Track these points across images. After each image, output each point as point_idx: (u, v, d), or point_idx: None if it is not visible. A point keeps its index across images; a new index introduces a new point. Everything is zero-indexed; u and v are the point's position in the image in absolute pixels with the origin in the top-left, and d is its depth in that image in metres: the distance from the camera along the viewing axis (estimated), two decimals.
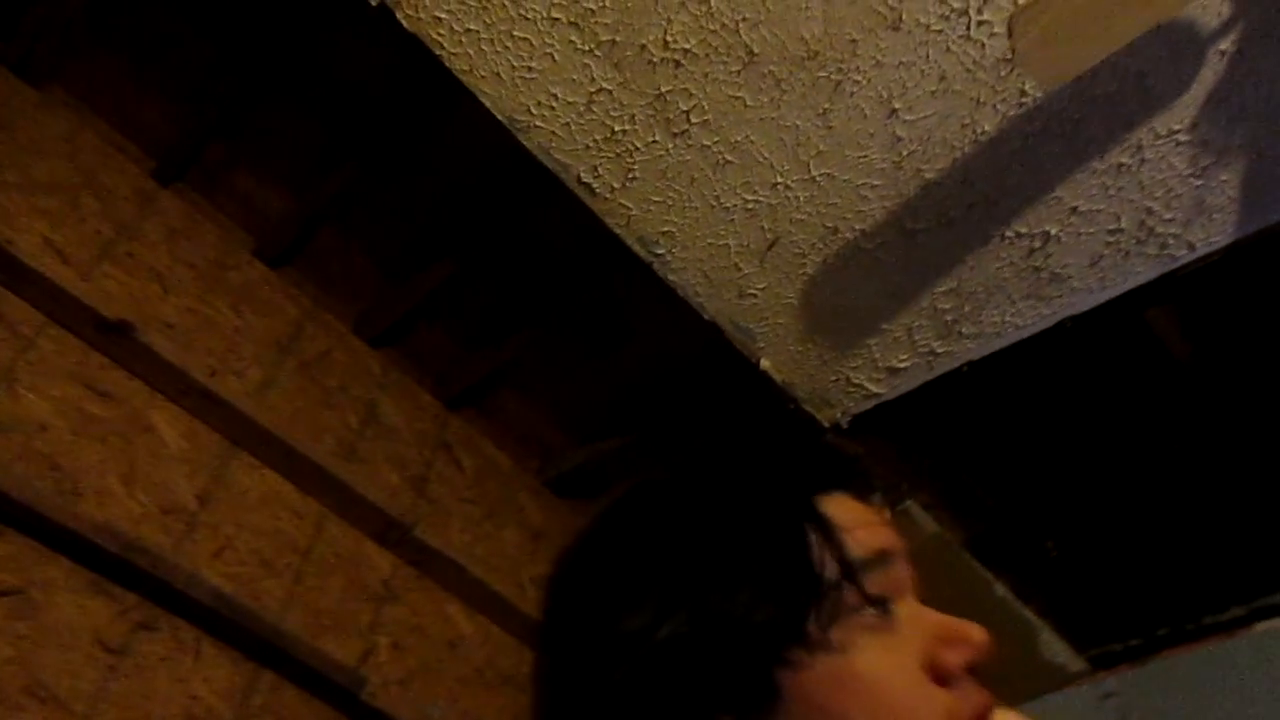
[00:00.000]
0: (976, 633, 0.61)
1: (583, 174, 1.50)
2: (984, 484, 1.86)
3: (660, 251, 1.59)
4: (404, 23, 1.36)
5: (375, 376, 1.86)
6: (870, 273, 1.56)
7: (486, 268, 1.79)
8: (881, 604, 0.61)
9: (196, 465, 1.51)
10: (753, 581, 0.60)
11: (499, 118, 1.44)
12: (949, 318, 1.58)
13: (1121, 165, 1.33)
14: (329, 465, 1.68)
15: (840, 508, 0.64)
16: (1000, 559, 1.90)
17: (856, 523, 0.64)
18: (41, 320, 1.39)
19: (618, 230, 1.58)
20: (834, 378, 1.72)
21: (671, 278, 1.63)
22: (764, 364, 1.72)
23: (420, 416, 1.92)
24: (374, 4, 1.34)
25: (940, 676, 0.59)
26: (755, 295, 1.63)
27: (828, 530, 0.62)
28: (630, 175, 1.50)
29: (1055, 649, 1.94)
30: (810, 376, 1.73)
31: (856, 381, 1.71)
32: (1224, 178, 1.29)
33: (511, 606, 1.86)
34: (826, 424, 1.79)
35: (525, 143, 1.47)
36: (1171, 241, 1.38)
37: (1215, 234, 1.34)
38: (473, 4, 1.34)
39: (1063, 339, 1.56)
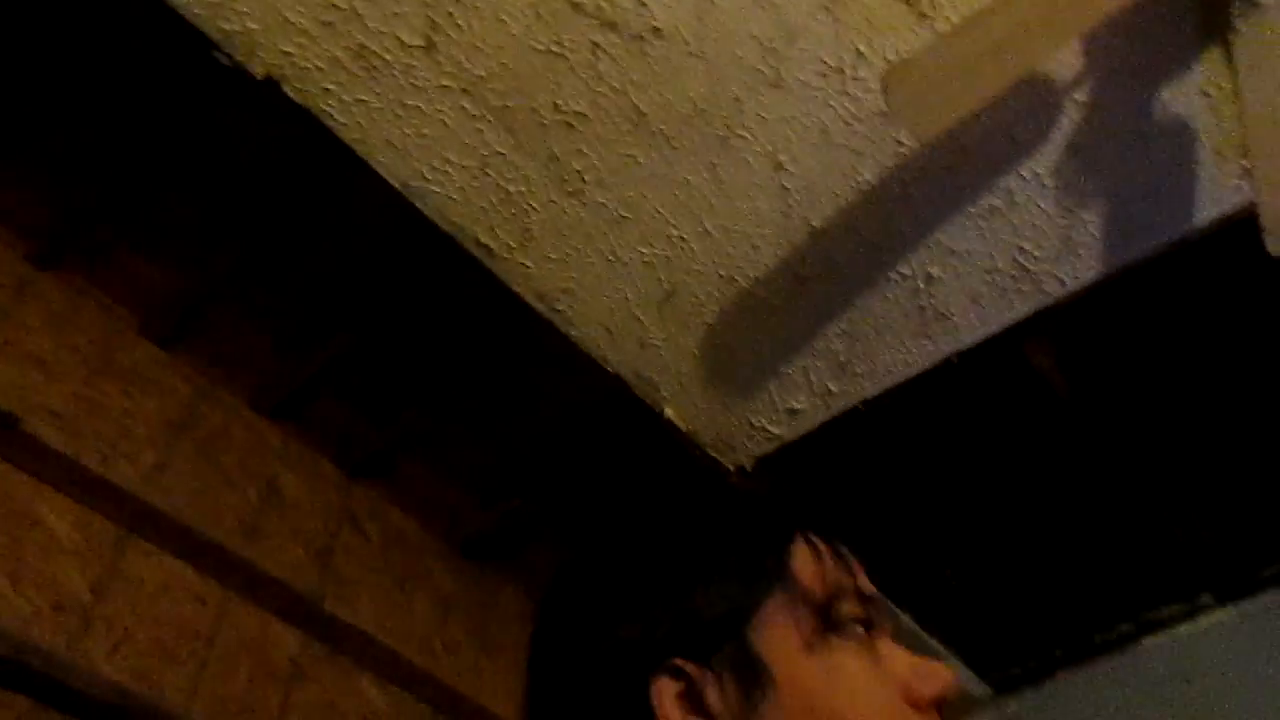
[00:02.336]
0: (946, 671, 0.65)
1: (480, 235, 1.51)
2: (884, 518, 1.91)
3: (560, 308, 1.61)
4: (292, 95, 1.35)
5: (274, 450, 1.82)
6: (766, 319, 1.60)
7: (386, 336, 1.77)
8: (869, 625, 0.65)
9: (89, 556, 1.45)
10: (729, 571, 0.65)
11: (393, 184, 1.45)
12: (843, 358, 1.64)
13: (993, 208, 1.40)
14: (230, 544, 1.63)
15: (830, 545, 0.69)
16: (902, 592, 1.96)
17: (848, 560, 0.69)
18: None
19: (517, 289, 1.59)
20: (737, 422, 1.76)
21: (573, 332, 1.64)
22: (668, 413, 1.75)
23: (323, 488, 1.88)
24: (259, 77, 1.34)
25: (914, 703, 0.63)
26: (656, 345, 1.66)
27: (831, 546, 0.67)
28: (527, 235, 1.52)
29: (962, 678, 2.00)
30: (714, 422, 1.76)
31: (758, 424, 1.75)
32: (1087, 217, 1.38)
33: (425, 674, 1.83)
34: (731, 468, 1.83)
35: (421, 207, 1.47)
36: (1044, 278, 1.46)
37: (1084, 270, 1.43)
38: (361, 74, 1.34)
39: (952, 376, 1.63)
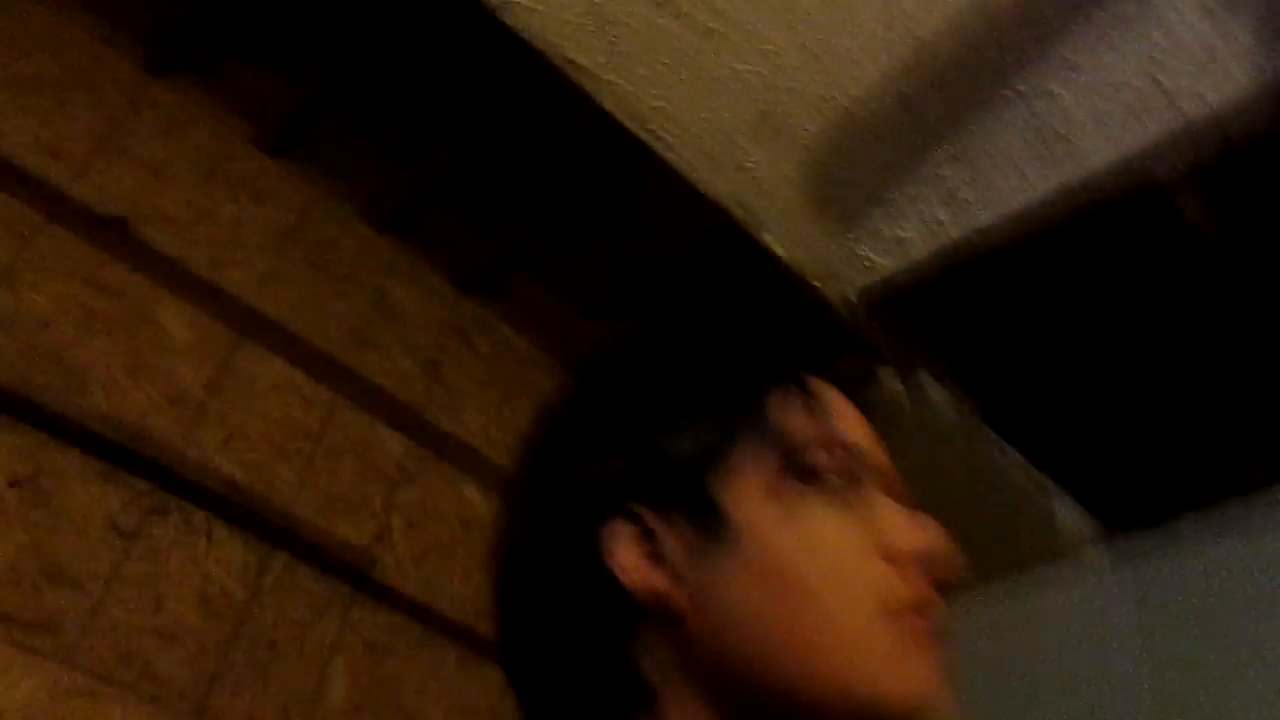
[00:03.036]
0: (935, 526, 0.60)
1: (568, 52, 1.46)
2: (998, 356, 1.82)
3: (654, 128, 1.55)
4: None
5: (385, 262, 1.87)
6: (869, 142, 1.50)
7: (488, 152, 1.76)
8: (843, 475, 0.61)
9: (203, 356, 1.55)
10: (696, 414, 0.61)
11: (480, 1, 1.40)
12: (951, 184, 1.52)
13: (1125, 16, 1.24)
14: (338, 352, 1.71)
15: (829, 392, 0.65)
16: (1014, 431, 1.87)
17: (839, 406, 0.64)
18: (38, 219, 1.41)
19: (610, 108, 1.53)
20: (840, 252, 1.68)
21: (669, 155, 1.58)
22: (767, 239, 1.69)
23: (433, 302, 1.93)
24: None
25: (888, 556, 0.59)
26: (754, 170, 1.58)
27: (806, 392, 0.63)
28: (615, 50, 1.45)
29: (1069, 518, 1.92)
30: (816, 251, 1.69)
31: (862, 254, 1.67)
32: (1234, 26, 1.20)
33: None
34: (836, 300, 1.76)
35: (510, 23, 1.43)
36: (1181, 96, 1.29)
37: (1228, 87, 1.26)
38: None
39: (1078, 210, 1.49)
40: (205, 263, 1.56)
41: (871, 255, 1.66)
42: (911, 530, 0.60)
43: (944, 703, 0.58)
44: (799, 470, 0.59)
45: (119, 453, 1.39)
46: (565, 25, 1.43)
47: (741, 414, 0.61)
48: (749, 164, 1.57)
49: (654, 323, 0.74)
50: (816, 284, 1.74)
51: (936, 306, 1.77)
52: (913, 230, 1.60)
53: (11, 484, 1.29)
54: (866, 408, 0.68)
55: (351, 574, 1.59)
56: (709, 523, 0.58)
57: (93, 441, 1.37)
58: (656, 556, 0.58)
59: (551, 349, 2.11)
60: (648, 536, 0.59)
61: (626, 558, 0.58)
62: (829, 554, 0.58)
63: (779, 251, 1.69)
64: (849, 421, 0.64)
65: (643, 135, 1.56)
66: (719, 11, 1.38)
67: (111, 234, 1.47)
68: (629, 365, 0.68)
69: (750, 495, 0.59)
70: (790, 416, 0.61)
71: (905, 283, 1.69)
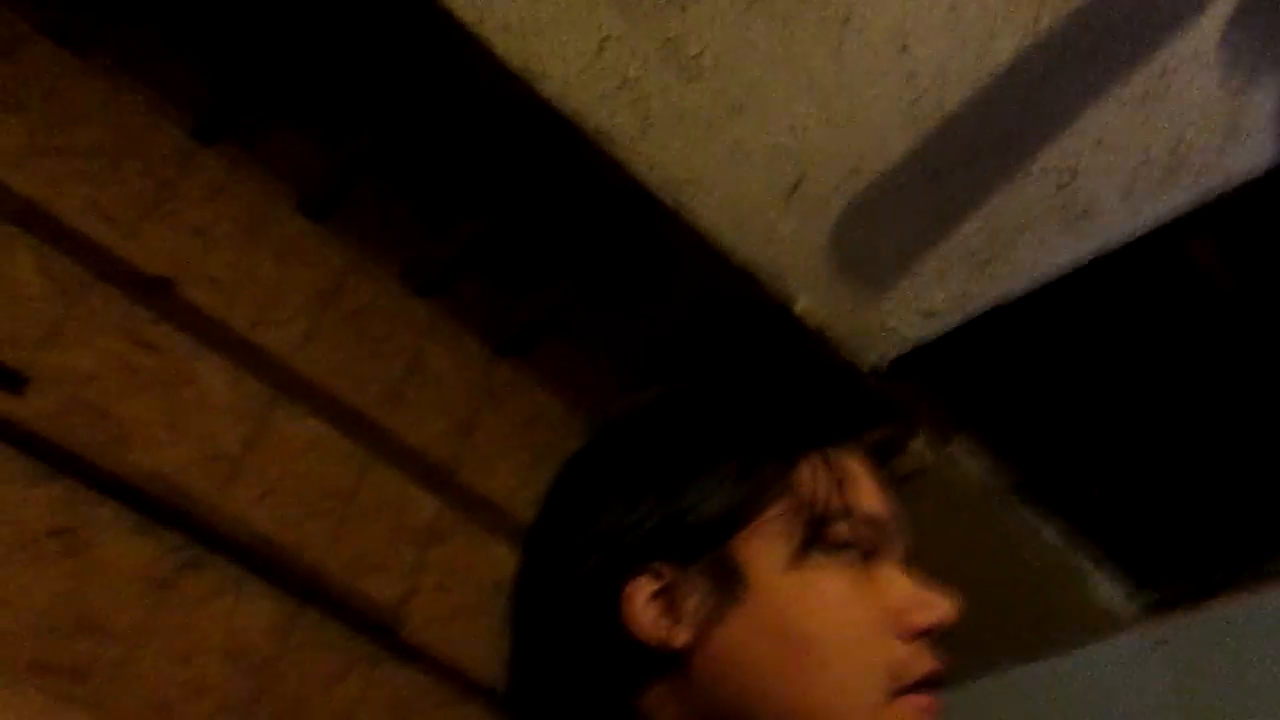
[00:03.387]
0: (946, 603, 0.62)
1: (600, 122, 1.50)
2: (1030, 426, 1.81)
3: (685, 199, 1.59)
4: None
5: (420, 325, 1.91)
6: (897, 213, 1.53)
7: (521, 218, 1.81)
8: (863, 548, 0.63)
9: (240, 414, 1.58)
10: (726, 476, 0.63)
11: (513, 68, 1.45)
12: (981, 257, 1.54)
13: (1148, 92, 1.26)
14: (373, 412, 1.74)
15: (853, 460, 0.67)
16: (1049, 502, 1.86)
17: (863, 479, 0.66)
18: (87, 278, 1.47)
19: (641, 178, 1.57)
20: (870, 320, 1.70)
21: (699, 223, 1.62)
22: (800, 306, 1.71)
23: (467, 364, 1.96)
24: None
25: (900, 632, 0.60)
26: (784, 239, 1.61)
27: (828, 461, 0.65)
28: (647, 122, 1.49)
29: (1106, 594, 1.89)
30: (845, 320, 1.71)
31: (891, 325, 1.69)
32: (1256, 99, 1.21)
33: None
34: (865, 368, 1.77)
35: (540, 91, 1.48)
36: (1205, 170, 1.30)
37: (1251, 159, 1.27)
38: None
39: (1103, 274, 1.50)
40: (246, 323, 1.60)
41: (900, 324, 1.68)
42: (926, 608, 0.61)
43: None
44: (821, 540, 0.61)
45: (156, 506, 1.43)
46: (598, 97, 1.47)
47: (771, 480, 0.63)
48: (778, 233, 1.60)
49: (686, 382, 0.76)
50: (846, 353, 1.76)
51: (966, 374, 1.78)
52: (941, 299, 1.62)
53: (50, 533, 1.33)
54: (892, 478, 0.70)
55: (380, 632, 1.60)
56: (728, 582, 0.60)
57: (131, 495, 1.41)
58: (673, 610, 0.60)
59: (583, 411, 2.13)
60: (666, 591, 0.61)
61: (644, 612, 0.60)
62: (844, 626, 0.59)
63: (808, 319, 1.71)
64: (872, 494, 0.66)
65: (673, 204, 1.59)
66: (749, 85, 1.42)
67: (156, 294, 1.52)
68: (660, 421, 0.70)
69: (771, 559, 0.61)
70: (817, 486, 0.63)
71: (935, 351, 1.71)
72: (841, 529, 0.62)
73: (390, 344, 1.84)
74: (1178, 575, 1.86)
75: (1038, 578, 1.92)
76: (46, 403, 1.36)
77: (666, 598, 0.61)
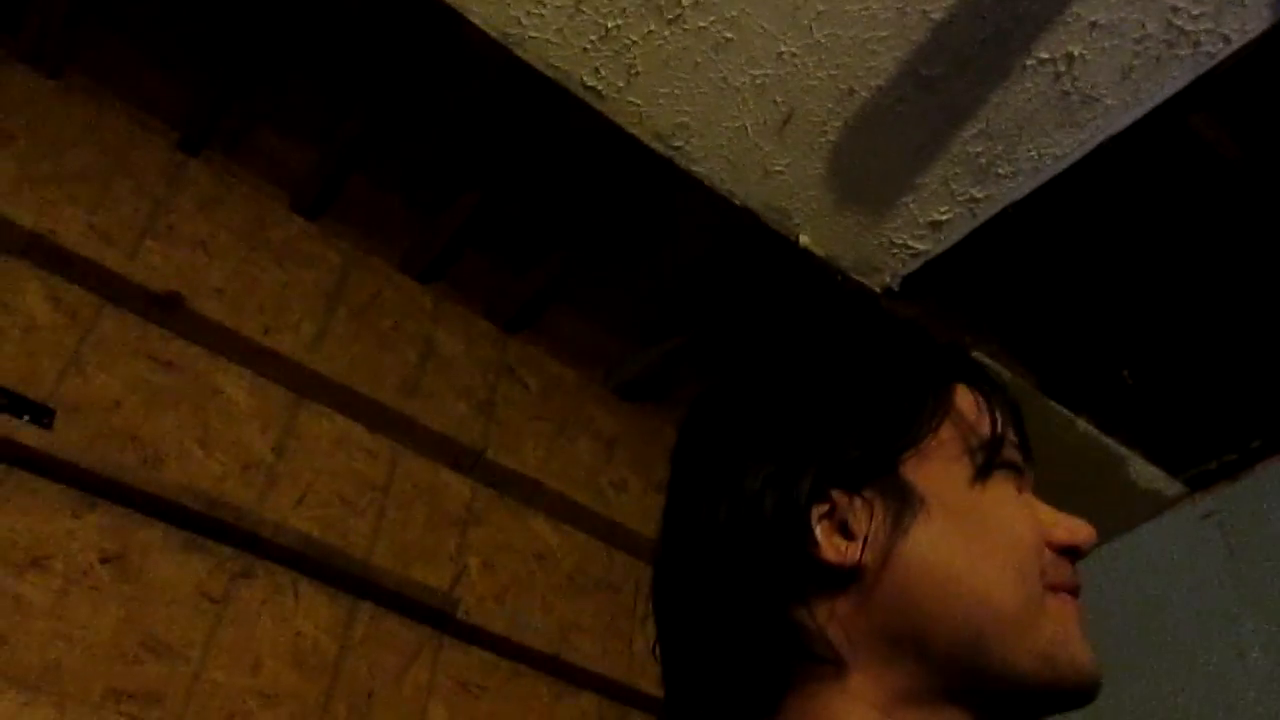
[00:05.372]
0: (1088, 527, 0.66)
1: (585, 78, 1.49)
2: (1050, 323, 1.82)
3: (678, 144, 1.58)
4: None
5: (428, 311, 1.90)
6: (894, 129, 1.52)
7: (515, 189, 1.79)
8: (1017, 470, 0.67)
9: (267, 420, 1.58)
10: (891, 404, 0.66)
11: (492, 34, 1.44)
12: (983, 161, 1.54)
13: None
14: (394, 403, 1.73)
15: (995, 395, 0.70)
16: (1078, 396, 1.86)
17: (1006, 412, 0.69)
18: (97, 302, 1.45)
19: (632, 130, 1.56)
20: (876, 242, 1.69)
21: (695, 169, 1.61)
22: (803, 240, 1.70)
23: (479, 344, 1.96)
24: None
25: (1051, 544, 0.65)
26: (782, 173, 1.60)
27: (983, 391, 0.68)
28: (633, 71, 1.48)
29: (1148, 476, 1.90)
30: (852, 245, 1.71)
31: (900, 242, 1.68)
32: None
33: (593, 513, 1.91)
34: (878, 289, 1.77)
35: (522, 54, 1.46)
36: (1204, 38, 1.30)
37: (1250, 21, 1.26)
38: None
39: (1107, 161, 1.50)
40: (258, 329, 1.59)
41: (910, 241, 1.68)
42: (1069, 527, 0.66)
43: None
44: (981, 461, 0.65)
45: (199, 521, 1.42)
46: (580, 52, 1.46)
47: (935, 406, 0.66)
48: (776, 168, 1.59)
49: (819, 329, 0.79)
50: (857, 277, 1.75)
51: (980, 283, 1.78)
52: (949, 211, 1.61)
53: (103, 561, 1.32)
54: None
55: (436, 617, 1.60)
56: (906, 501, 0.63)
57: (174, 513, 1.40)
58: (846, 531, 0.62)
59: (598, 375, 2.13)
60: (838, 515, 0.63)
61: (825, 537, 0.62)
62: (1010, 533, 0.64)
63: (816, 250, 1.71)
64: (1009, 419, 0.69)
65: (667, 152, 1.58)
66: (730, 20, 1.40)
67: (167, 310, 1.50)
68: (806, 358, 0.72)
69: (950, 479, 0.64)
70: (973, 412, 0.67)
71: (946, 263, 1.70)
72: (1011, 452, 0.66)
73: (400, 334, 1.84)
74: (1215, 448, 1.87)
75: (1077, 470, 1.94)
76: (76, 432, 1.35)
77: (838, 521, 0.63)
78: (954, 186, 1.58)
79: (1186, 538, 1.83)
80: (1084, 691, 0.62)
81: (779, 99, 1.50)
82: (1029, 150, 1.50)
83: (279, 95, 1.68)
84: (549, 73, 1.48)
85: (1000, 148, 1.51)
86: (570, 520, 1.91)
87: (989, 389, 0.69)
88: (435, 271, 1.93)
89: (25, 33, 1.49)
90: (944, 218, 1.63)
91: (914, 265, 1.72)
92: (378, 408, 1.72)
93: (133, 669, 1.28)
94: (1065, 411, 1.86)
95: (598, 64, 1.47)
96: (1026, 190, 1.55)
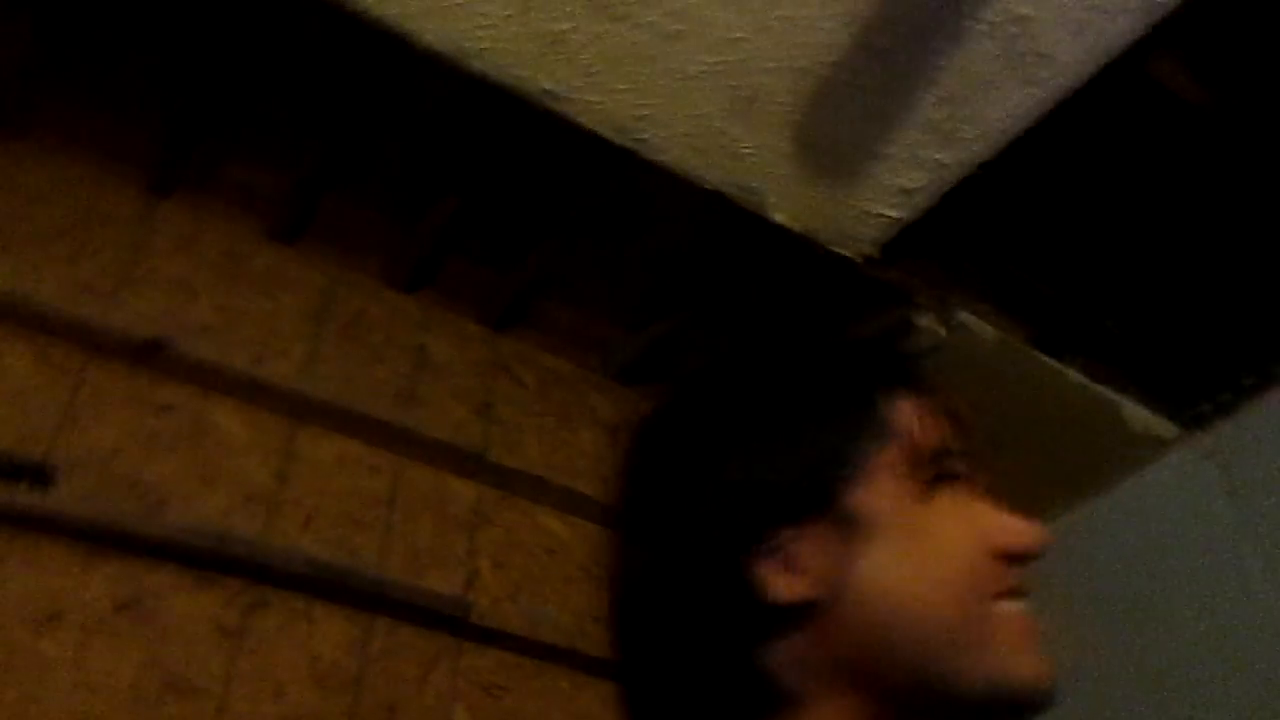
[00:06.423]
0: (1035, 529, 0.65)
1: (543, 82, 1.49)
2: (1034, 277, 1.82)
3: (643, 136, 1.58)
4: None
5: (416, 320, 1.92)
6: (855, 103, 1.51)
7: (489, 191, 1.80)
8: (960, 477, 0.66)
9: (265, 450, 1.61)
10: (835, 419, 0.66)
11: (448, 51, 1.44)
12: (946, 126, 1.53)
13: None
14: (391, 416, 1.76)
15: (931, 397, 0.69)
16: (1067, 346, 1.86)
17: (944, 415, 0.68)
18: (84, 356, 1.48)
19: (595, 127, 1.56)
20: (851, 213, 1.69)
21: (662, 158, 1.61)
22: (778, 218, 1.70)
23: (471, 346, 1.97)
24: None
25: (999, 557, 0.64)
26: (748, 154, 1.60)
27: (919, 399, 0.67)
28: (589, 72, 1.48)
29: (1144, 420, 1.91)
30: (828, 217, 1.70)
31: (874, 211, 1.68)
32: None
33: (601, 502, 1.94)
34: (858, 259, 1.77)
35: (480, 67, 1.46)
36: None
37: None
38: None
39: (1072, 116, 1.49)
40: (247, 361, 1.62)
41: (884, 210, 1.67)
42: (1016, 532, 0.65)
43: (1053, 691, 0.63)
44: (923, 472, 0.64)
45: (209, 558, 1.46)
46: (535, 59, 1.46)
47: (870, 421, 0.65)
48: (742, 150, 1.59)
49: (744, 346, 0.77)
50: (836, 249, 1.75)
51: (962, 244, 1.78)
52: (917, 177, 1.61)
53: (118, 609, 1.36)
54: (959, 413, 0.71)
55: (451, 623, 1.64)
56: (852, 529, 0.62)
57: (182, 553, 1.44)
58: (794, 567, 0.62)
59: (595, 364, 2.15)
60: (784, 552, 0.62)
61: (772, 578, 0.61)
62: (954, 549, 0.63)
63: (791, 224, 1.71)
64: (954, 428, 0.68)
65: (632, 145, 1.58)
66: (677, 13, 1.40)
67: (154, 355, 1.53)
68: (733, 389, 0.71)
69: (883, 499, 0.63)
70: (909, 421, 0.65)
71: (926, 228, 1.70)
72: (954, 463, 0.65)
73: (392, 346, 1.86)
74: (1209, 388, 1.87)
75: (1073, 420, 1.94)
76: (77, 487, 1.39)
77: (786, 558, 0.62)
78: (920, 153, 1.57)
79: (1187, 479, 1.84)
80: (1037, 702, 0.62)
81: (737, 84, 1.50)
82: (990, 112, 1.49)
83: (243, 126, 1.69)
84: (507, 80, 1.48)
85: (962, 112, 1.50)
86: (579, 512, 1.94)
87: (928, 394, 0.68)
88: (419, 280, 1.94)
89: None
90: (914, 184, 1.62)
91: (892, 232, 1.72)
92: (375, 422, 1.74)
93: (157, 711, 1.33)
94: (1056, 363, 1.86)
95: (552, 69, 1.47)
96: (994, 151, 1.54)
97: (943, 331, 1.83)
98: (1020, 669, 0.62)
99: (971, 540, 0.64)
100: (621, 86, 1.50)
